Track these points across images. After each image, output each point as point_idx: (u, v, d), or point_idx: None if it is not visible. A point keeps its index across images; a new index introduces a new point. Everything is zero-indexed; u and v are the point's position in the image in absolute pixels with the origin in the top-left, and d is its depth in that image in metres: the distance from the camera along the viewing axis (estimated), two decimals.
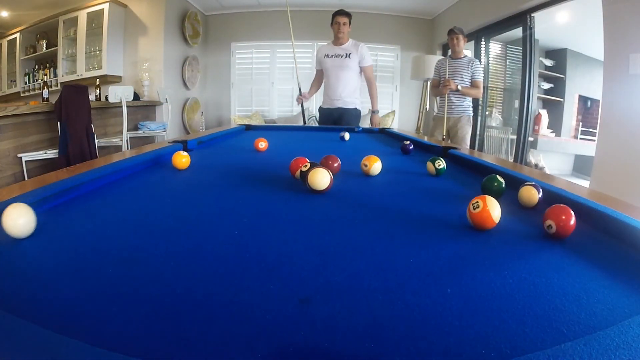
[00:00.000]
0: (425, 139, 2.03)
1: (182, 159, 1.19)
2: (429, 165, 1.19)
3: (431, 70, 4.15)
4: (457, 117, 3.10)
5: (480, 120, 4.60)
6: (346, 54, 2.89)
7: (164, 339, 0.35)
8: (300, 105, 3.27)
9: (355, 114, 3.03)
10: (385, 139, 2.25)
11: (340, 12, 2.86)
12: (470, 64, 3.02)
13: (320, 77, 3.13)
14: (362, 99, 3.12)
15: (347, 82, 2.95)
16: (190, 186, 1.04)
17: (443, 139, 3.06)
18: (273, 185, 1.02)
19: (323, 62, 2.99)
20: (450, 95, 3.06)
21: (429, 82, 4.38)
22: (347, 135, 2.12)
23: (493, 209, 0.66)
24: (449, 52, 3.18)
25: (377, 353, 0.34)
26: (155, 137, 4.17)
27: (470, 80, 3.04)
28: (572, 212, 0.63)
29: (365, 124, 3.17)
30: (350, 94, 2.98)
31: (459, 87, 2.98)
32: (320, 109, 3.16)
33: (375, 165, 1.13)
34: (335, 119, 3.03)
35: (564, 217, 0.62)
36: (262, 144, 1.63)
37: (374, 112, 3.05)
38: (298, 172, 1.02)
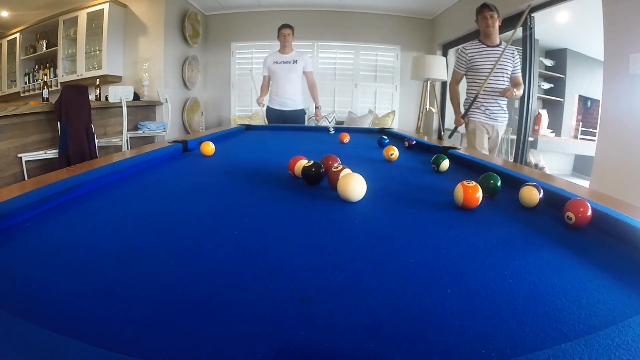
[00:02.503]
0: (425, 138, 2.03)
1: (208, 147, 1.47)
2: (441, 163, 1.26)
3: (431, 71, 3.94)
4: (501, 124, 2.61)
5: None
6: (293, 61, 3.40)
7: (164, 339, 0.35)
8: (261, 107, 3.66)
9: (302, 114, 3.59)
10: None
11: (285, 26, 3.37)
12: (512, 55, 2.48)
13: (268, 83, 3.54)
14: (303, 98, 3.64)
15: (294, 85, 3.46)
16: (190, 186, 1.04)
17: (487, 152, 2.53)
18: (273, 184, 1.02)
19: (272, 69, 3.42)
20: (498, 99, 2.54)
21: (429, 82, 4.13)
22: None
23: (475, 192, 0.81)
24: (467, 39, 2.86)
25: (377, 353, 0.34)
26: (155, 137, 4.17)
27: (510, 76, 2.51)
28: (589, 205, 0.71)
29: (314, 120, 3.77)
30: (297, 95, 3.48)
31: (516, 93, 2.47)
32: (270, 109, 3.53)
33: (395, 153, 1.46)
34: (287, 120, 3.46)
35: (582, 209, 0.70)
36: (347, 139, 1.99)
37: (317, 107, 3.60)
38: (298, 171, 1.02)
